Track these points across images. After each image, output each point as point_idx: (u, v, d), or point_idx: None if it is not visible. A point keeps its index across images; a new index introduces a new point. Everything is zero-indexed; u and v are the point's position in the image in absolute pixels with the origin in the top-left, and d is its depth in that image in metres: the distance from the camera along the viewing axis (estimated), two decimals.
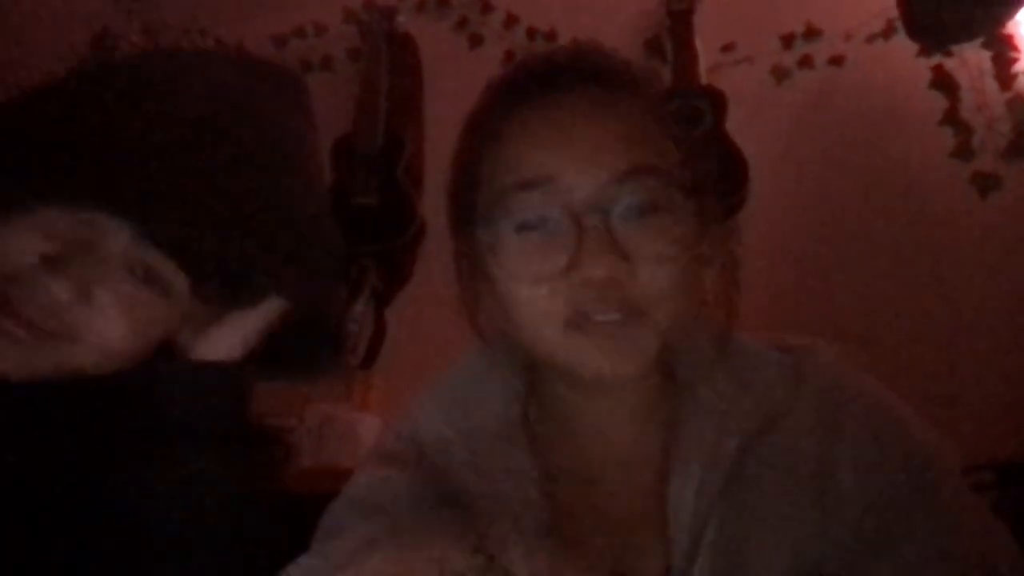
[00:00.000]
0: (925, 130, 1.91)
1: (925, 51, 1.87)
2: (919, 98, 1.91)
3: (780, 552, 0.62)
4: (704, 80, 2.08)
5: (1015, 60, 1.86)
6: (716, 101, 2.03)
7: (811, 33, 2.07)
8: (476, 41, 2.27)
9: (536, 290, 0.63)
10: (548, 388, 0.71)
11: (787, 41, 2.08)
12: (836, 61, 2.05)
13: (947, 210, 1.96)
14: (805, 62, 2.08)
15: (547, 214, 0.62)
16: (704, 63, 2.09)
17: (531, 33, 2.23)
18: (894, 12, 1.84)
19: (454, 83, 2.35)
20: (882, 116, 2.01)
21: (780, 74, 2.08)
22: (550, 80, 0.66)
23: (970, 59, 1.88)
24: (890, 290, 1.96)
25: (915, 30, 1.77)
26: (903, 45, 1.88)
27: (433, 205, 2.18)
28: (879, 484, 0.63)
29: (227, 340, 0.75)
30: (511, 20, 2.25)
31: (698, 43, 2.09)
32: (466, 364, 0.76)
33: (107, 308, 0.67)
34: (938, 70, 1.88)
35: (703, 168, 0.67)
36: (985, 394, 1.83)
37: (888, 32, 1.98)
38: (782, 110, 2.10)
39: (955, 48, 1.85)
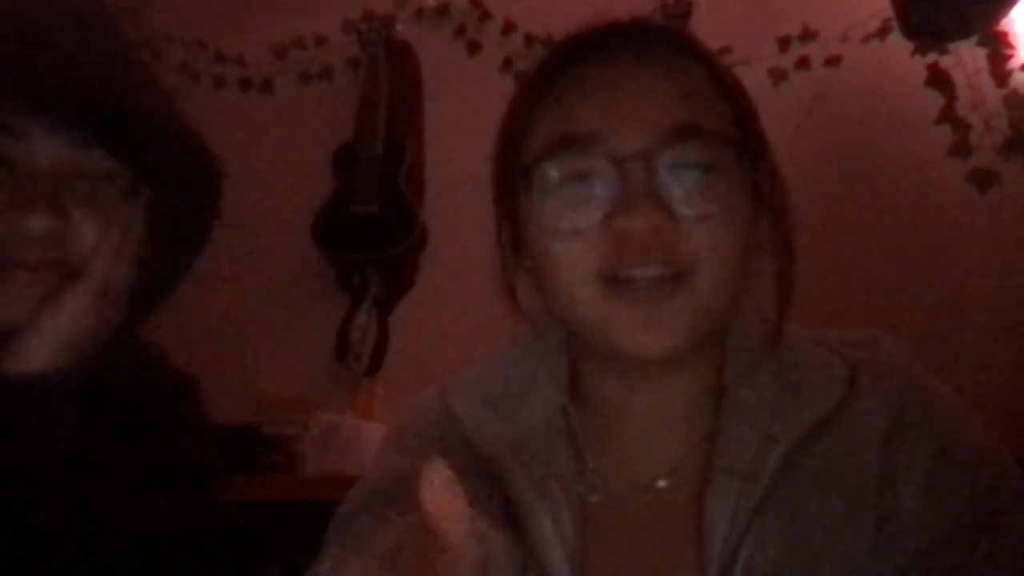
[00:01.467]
0: (922, 128, 1.92)
1: (920, 50, 1.88)
2: (916, 97, 1.92)
3: None
4: None
5: (1010, 57, 1.86)
6: None
7: (807, 35, 2.08)
8: (475, 48, 2.28)
9: (573, 242, 0.61)
10: (592, 383, 0.68)
11: (783, 43, 2.09)
12: (833, 62, 2.06)
13: (946, 208, 1.96)
14: (802, 64, 2.08)
15: (592, 167, 0.61)
16: None
17: (529, 40, 2.24)
18: (889, 12, 1.84)
19: (453, 90, 2.37)
20: (879, 115, 2.02)
21: (777, 76, 2.09)
22: (601, 43, 0.65)
23: (965, 57, 1.88)
24: (889, 288, 1.97)
25: (910, 29, 1.77)
26: (899, 44, 1.89)
27: (434, 212, 2.20)
28: (945, 513, 0.58)
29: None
30: (509, 27, 2.26)
31: None
32: (510, 357, 0.72)
33: (90, 223, 0.63)
34: (934, 68, 1.89)
35: (757, 132, 0.66)
36: (985, 391, 1.83)
37: (883, 32, 1.99)
38: (780, 112, 2.09)
39: (950, 46, 1.86)
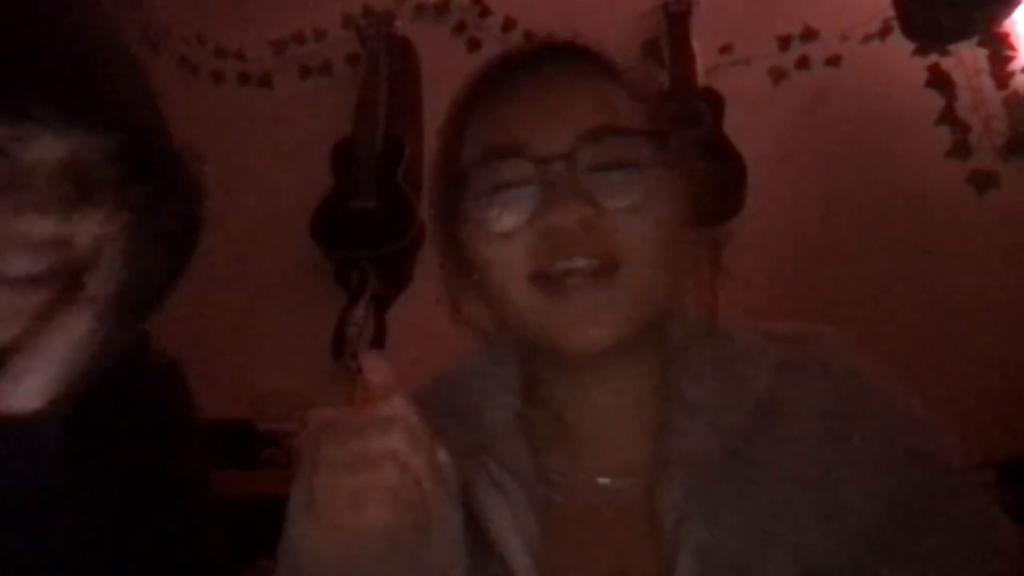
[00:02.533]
0: (922, 129, 1.92)
1: (921, 50, 1.88)
2: (916, 97, 1.92)
3: (777, 561, 0.59)
4: (702, 82, 2.08)
5: (1011, 58, 1.87)
6: (714, 103, 2.04)
7: (808, 34, 2.08)
8: (474, 45, 2.28)
9: (505, 245, 0.64)
10: (545, 385, 0.71)
11: (784, 42, 2.09)
12: (833, 62, 2.06)
13: (945, 209, 1.96)
14: (802, 63, 2.08)
15: (518, 172, 0.64)
16: (702, 65, 2.09)
17: (529, 36, 2.23)
18: (890, 12, 1.84)
19: (453, 87, 2.35)
20: (879, 116, 2.02)
21: (777, 75, 2.09)
22: (524, 61, 0.70)
23: (966, 58, 1.88)
24: (888, 289, 1.97)
25: (911, 29, 1.77)
26: (899, 45, 1.89)
27: None
28: (888, 495, 0.61)
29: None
30: (509, 24, 2.25)
31: (696, 45, 2.09)
32: (467, 367, 0.76)
33: (90, 227, 0.59)
34: (934, 69, 1.89)
35: (671, 130, 0.69)
36: (984, 391, 1.83)
37: (884, 32, 1.99)
38: (780, 111, 2.10)
39: (951, 47, 1.86)
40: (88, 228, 0.59)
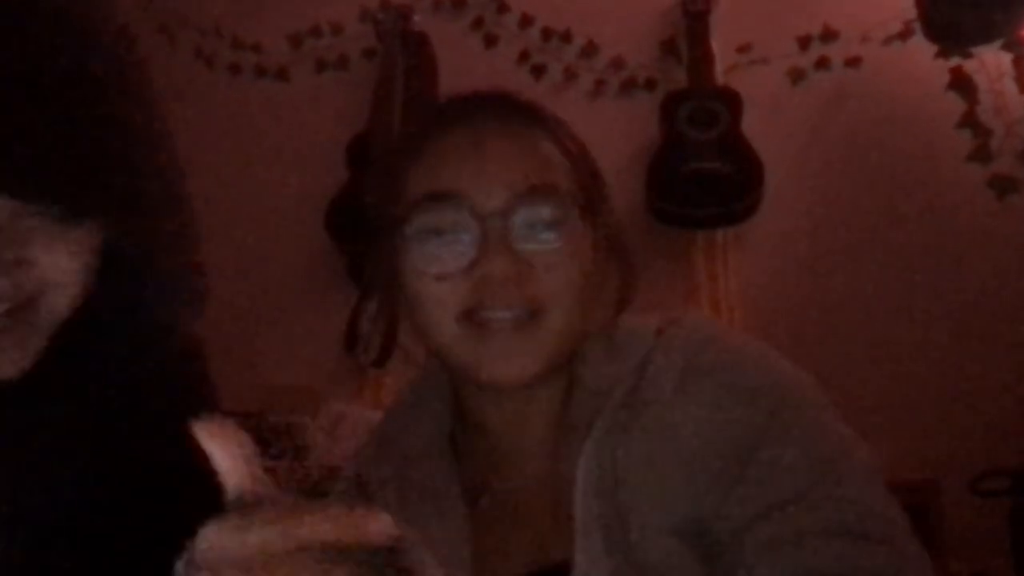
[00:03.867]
0: (943, 133, 1.90)
1: (943, 53, 1.86)
2: (937, 100, 1.90)
3: (661, 519, 0.65)
4: (720, 81, 2.07)
5: None
6: (732, 102, 2.03)
7: (828, 34, 2.06)
8: (491, 41, 2.27)
9: (439, 286, 0.70)
10: (470, 404, 0.77)
11: (803, 42, 2.08)
12: (853, 63, 2.04)
13: (963, 213, 1.94)
14: (822, 63, 2.07)
15: (456, 221, 0.70)
16: (720, 64, 2.08)
17: (546, 34, 2.23)
18: (912, 13, 1.83)
19: (469, 83, 2.34)
20: (899, 118, 2.00)
21: (796, 75, 2.08)
22: (466, 111, 0.75)
23: (989, 61, 1.86)
24: (906, 292, 1.95)
25: (933, 32, 1.76)
26: (921, 47, 1.87)
27: None
28: (724, 435, 0.66)
29: None
30: (526, 20, 2.25)
31: (714, 44, 2.08)
32: (402, 396, 0.85)
33: (50, 256, 0.59)
34: (956, 72, 1.87)
35: (596, 189, 0.76)
36: (1002, 398, 1.81)
37: (906, 34, 1.97)
38: (798, 111, 2.09)
39: (974, 50, 1.84)
40: (52, 252, 0.59)
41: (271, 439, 1.93)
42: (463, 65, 2.29)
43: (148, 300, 0.68)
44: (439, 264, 0.70)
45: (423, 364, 0.84)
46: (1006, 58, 1.85)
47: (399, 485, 0.77)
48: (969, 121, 1.87)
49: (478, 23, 2.29)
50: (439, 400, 0.80)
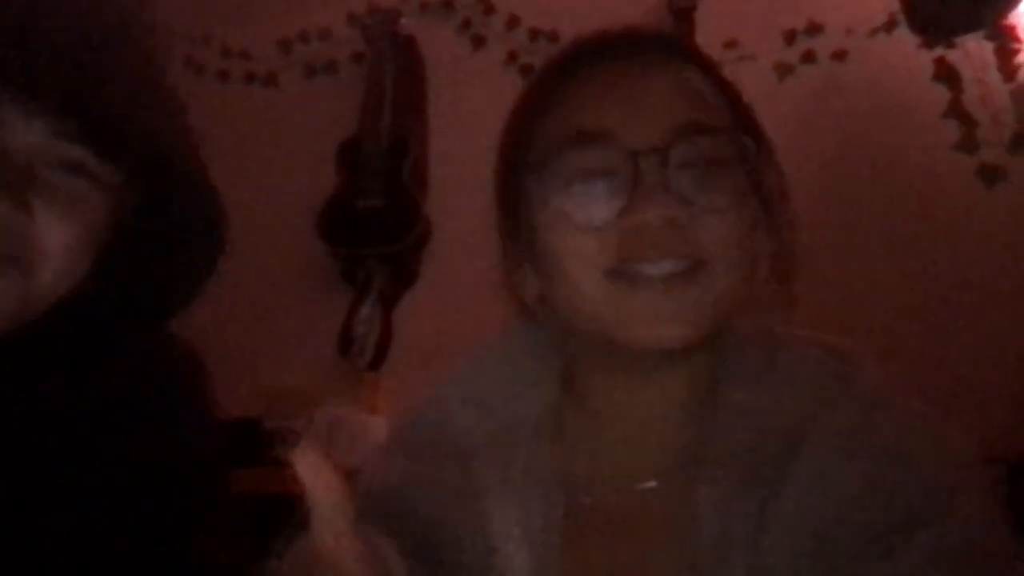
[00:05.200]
0: (929, 123, 1.91)
1: (927, 44, 1.87)
2: (922, 91, 1.91)
3: (792, 560, 0.57)
4: None
5: (1018, 51, 1.86)
6: None
7: (813, 28, 2.07)
8: (479, 43, 2.28)
9: (585, 238, 0.61)
10: (587, 382, 0.68)
11: (789, 37, 2.08)
12: (839, 56, 2.05)
13: (952, 203, 1.95)
14: (808, 57, 2.07)
15: (607, 162, 0.61)
16: None
17: (533, 34, 2.23)
18: (896, 5, 1.84)
19: (457, 84, 2.36)
20: (886, 110, 2.01)
21: (783, 70, 2.08)
22: (606, 45, 0.67)
23: (973, 51, 1.88)
24: (896, 283, 1.96)
25: (917, 23, 1.77)
26: (905, 38, 1.88)
27: (438, 206, 2.19)
28: (885, 505, 0.58)
29: None
30: (513, 21, 2.25)
31: (700, 40, 2.09)
32: (502, 353, 0.73)
33: (50, 216, 0.58)
34: (941, 63, 1.88)
35: (755, 132, 0.68)
36: (994, 386, 1.82)
37: (890, 26, 1.98)
38: (785, 106, 2.09)
39: (957, 40, 1.85)
40: (54, 222, 0.59)
41: (267, 444, 1.93)
42: (451, 67, 2.30)
43: (154, 292, 0.67)
44: (586, 213, 0.61)
45: (515, 328, 0.73)
46: (989, 47, 1.86)
47: (496, 454, 0.67)
48: (955, 111, 1.88)
49: (465, 25, 2.30)
50: (545, 366, 0.70)
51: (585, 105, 0.64)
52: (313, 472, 0.47)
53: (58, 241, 0.59)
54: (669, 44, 0.68)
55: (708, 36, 2.09)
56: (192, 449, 0.70)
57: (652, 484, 0.65)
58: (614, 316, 0.62)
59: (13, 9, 0.56)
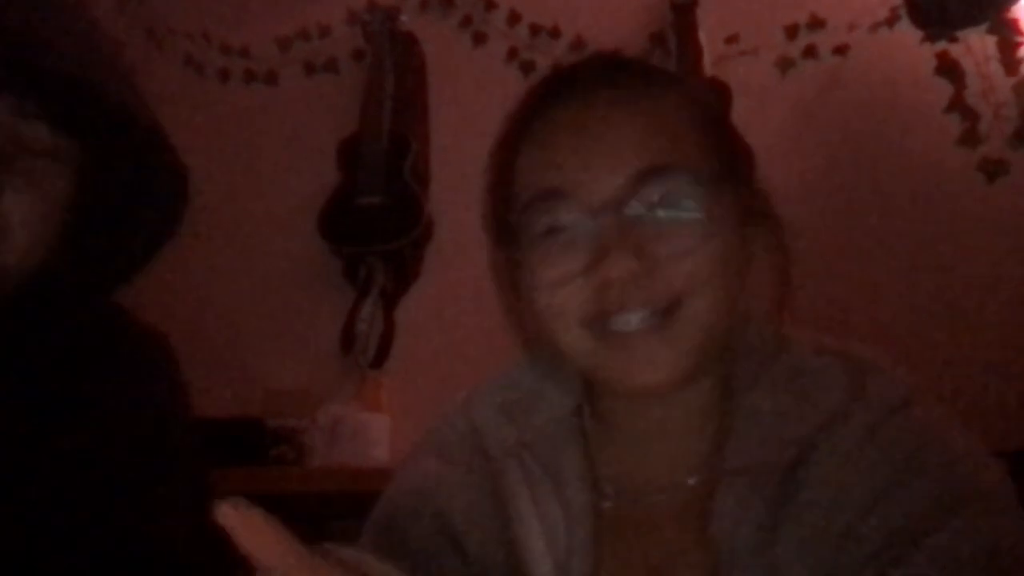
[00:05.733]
0: (931, 117, 1.91)
1: (929, 38, 1.86)
2: (925, 85, 1.91)
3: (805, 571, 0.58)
4: (709, 73, 2.07)
5: (1020, 44, 1.85)
6: (721, 94, 2.03)
7: (815, 23, 2.07)
8: (479, 39, 2.27)
9: (557, 291, 0.63)
10: (600, 396, 0.71)
11: (791, 32, 2.08)
12: (840, 51, 2.04)
13: (955, 197, 1.95)
14: (809, 52, 2.07)
15: (567, 220, 0.63)
16: (708, 56, 2.08)
17: (534, 30, 2.23)
18: (898, 0, 1.83)
19: (458, 81, 2.36)
20: (888, 104, 2.01)
21: (785, 65, 2.08)
22: (574, 83, 0.67)
23: (975, 45, 1.87)
24: (898, 279, 1.96)
25: (919, 17, 1.76)
26: (907, 33, 1.88)
27: (440, 203, 2.19)
28: (898, 512, 0.58)
29: None
30: (514, 17, 2.25)
31: (702, 36, 2.08)
32: (526, 365, 0.75)
33: (16, 196, 0.59)
34: (943, 57, 1.87)
35: (734, 155, 0.67)
36: (996, 380, 1.82)
37: (892, 20, 1.98)
38: (787, 101, 2.09)
39: (959, 34, 1.84)
40: (20, 201, 0.60)
41: (270, 444, 1.93)
42: (452, 64, 2.29)
43: (102, 261, 0.67)
44: (555, 268, 0.63)
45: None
46: (991, 41, 1.85)
47: (522, 458, 0.69)
48: (957, 105, 1.87)
49: (466, 21, 2.29)
50: (567, 378, 0.71)
51: (547, 160, 0.65)
52: (247, 533, 0.42)
53: (23, 220, 0.60)
54: (639, 72, 0.68)
55: (710, 31, 2.09)
56: (142, 433, 0.69)
57: (672, 489, 0.66)
58: (594, 364, 0.64)
59: None
